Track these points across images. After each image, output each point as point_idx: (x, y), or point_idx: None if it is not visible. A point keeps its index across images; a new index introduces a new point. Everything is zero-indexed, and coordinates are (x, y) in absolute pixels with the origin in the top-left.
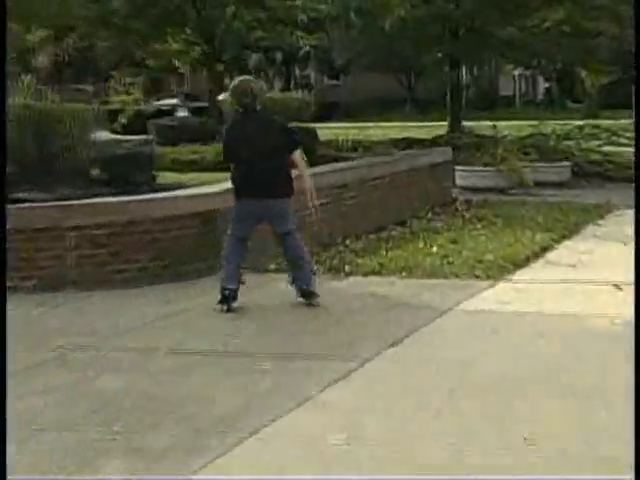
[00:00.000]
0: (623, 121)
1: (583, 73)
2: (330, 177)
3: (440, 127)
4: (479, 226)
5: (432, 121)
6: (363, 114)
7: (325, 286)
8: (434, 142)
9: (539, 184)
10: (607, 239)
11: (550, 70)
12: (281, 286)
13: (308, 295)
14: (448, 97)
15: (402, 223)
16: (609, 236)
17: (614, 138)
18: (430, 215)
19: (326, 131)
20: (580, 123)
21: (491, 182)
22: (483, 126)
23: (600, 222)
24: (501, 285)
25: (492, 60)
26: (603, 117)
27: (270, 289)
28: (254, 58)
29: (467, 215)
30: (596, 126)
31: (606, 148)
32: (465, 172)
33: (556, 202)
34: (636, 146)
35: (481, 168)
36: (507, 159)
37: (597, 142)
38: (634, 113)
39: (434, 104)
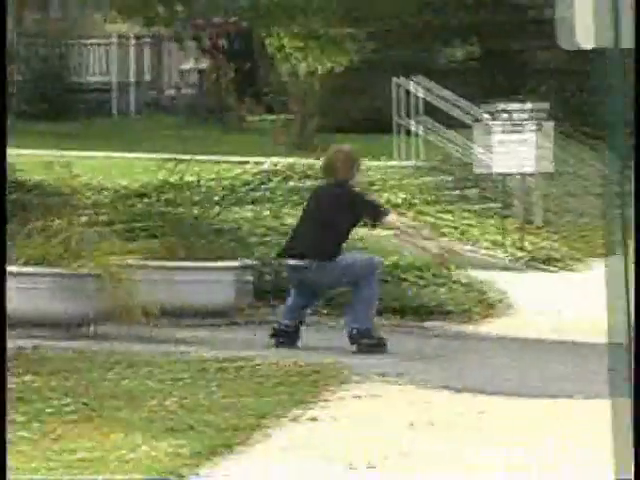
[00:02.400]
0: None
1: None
2: None
3: None
4: None
5: None
6: None
7: None
8: None
9: (171, 312)
10: (327, 453)
11: None
12: None
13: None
14: None
15: None
16: (328, 447)
17: None
18: None
19: None
20: (263, 163)
21: (45, 303)
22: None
23: (313, 410)
24: None
25: None
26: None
27: None
28: None
29: None
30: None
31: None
32: None
33: (214, 359)
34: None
35: (33, 270)
36: (82, 250)
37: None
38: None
39: None
